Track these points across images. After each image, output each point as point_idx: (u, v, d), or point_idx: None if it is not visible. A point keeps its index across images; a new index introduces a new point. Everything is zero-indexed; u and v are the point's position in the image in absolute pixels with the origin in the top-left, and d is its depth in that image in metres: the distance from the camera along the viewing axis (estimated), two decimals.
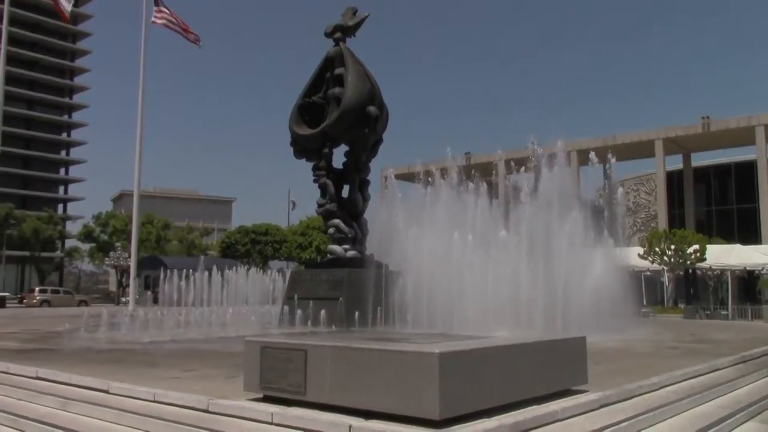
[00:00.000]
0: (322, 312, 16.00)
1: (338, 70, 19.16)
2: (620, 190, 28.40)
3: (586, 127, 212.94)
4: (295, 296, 17.32)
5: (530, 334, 10.75)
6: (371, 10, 20.33)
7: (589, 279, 13.84)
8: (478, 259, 14.20)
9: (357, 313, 15.92)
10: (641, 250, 32.63)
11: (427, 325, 13.77)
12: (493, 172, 39.58)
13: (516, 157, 22.64)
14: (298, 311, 16.51)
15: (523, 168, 18.83)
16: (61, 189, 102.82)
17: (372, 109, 18.56)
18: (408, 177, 43.26)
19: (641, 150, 48.81)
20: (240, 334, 14.47)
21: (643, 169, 56.44)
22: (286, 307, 17.49)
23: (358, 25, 19.94)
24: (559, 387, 5.97)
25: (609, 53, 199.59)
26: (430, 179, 19.05)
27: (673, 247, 31.60)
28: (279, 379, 5.50)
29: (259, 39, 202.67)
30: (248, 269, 26.29)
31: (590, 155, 20.30)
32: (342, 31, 19.70)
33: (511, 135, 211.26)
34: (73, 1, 30.93)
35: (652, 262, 32.19)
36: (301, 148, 19.59)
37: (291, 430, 5.15)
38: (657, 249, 32.00)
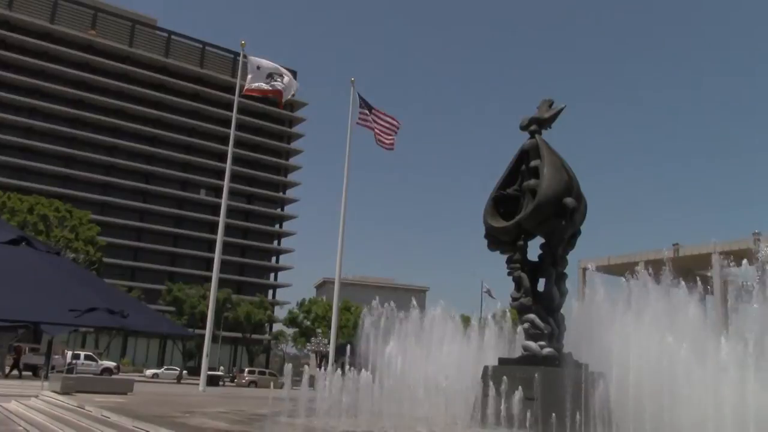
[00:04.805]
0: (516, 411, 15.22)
1: (533, 163, 18.94)
2: None
3: None
4: (489, 392, 16.71)
5: None
6: (565, 100, 20.03)
7: None
8: (694, 365, 12.70)
9: (554, 416, 14.92)
10: None
11: None
12: (710, 267, 36.16)
13: (733, 249, 20.49)
14: (490, 408, 15.87)
15: (744, 261, 16.85)
16: (272, 276, 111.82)
17: (569, 200, 17.98)
18: (609, 270, 41.02)
19: None
20: (433, 430, 14.23)
21: None
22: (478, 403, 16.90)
23: (554, 117, 19.68)
24: None
25: None
26: (633, 273, 17.76)
27: None
28: None
29: (453, 133, 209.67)
30: None
31: None
32: (538, 124, 19.57)
33: (723, 227, 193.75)
34: (292, 89, 33.46)
35: None
36: (496, 240, 19.38)
37: None
38: None
